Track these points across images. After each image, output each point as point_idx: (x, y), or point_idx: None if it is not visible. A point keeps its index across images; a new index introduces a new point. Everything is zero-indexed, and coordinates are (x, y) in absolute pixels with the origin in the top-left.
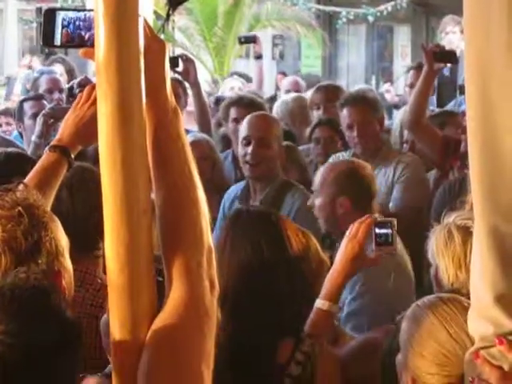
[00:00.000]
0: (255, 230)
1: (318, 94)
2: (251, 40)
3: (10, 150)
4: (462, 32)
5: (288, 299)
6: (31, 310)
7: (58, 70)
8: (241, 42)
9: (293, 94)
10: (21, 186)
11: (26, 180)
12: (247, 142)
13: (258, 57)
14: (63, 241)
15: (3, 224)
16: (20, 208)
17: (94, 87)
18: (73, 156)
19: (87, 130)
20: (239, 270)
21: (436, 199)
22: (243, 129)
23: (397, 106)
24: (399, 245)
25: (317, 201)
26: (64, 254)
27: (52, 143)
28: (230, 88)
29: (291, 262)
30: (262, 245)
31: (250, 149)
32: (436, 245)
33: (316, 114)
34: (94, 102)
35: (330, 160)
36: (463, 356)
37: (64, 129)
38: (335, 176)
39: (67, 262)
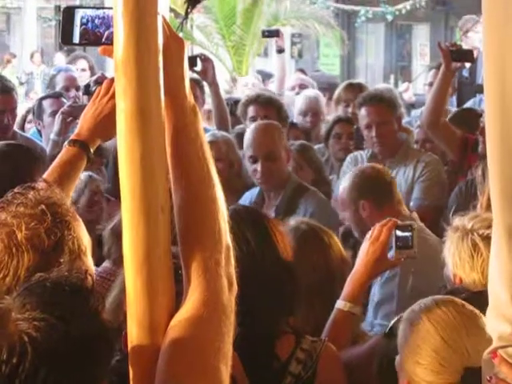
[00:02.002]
0: (240, 228)
1: (349, 91)
2: (275, 34)
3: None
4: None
5: (281, 296)
6: (69, 305)
7: (82, 65)
8: (264, 36)
9: (314, 90)
10: (44, 184)
11: (45, 175)
12: (254, 160)
13: (280, 51)
14: (85, 240)
15: (26, 222)
16: (43, 206)
17: (112, 80)
18: (92, 150)
19: (106, 123)
20: None
21: (451, 199)
22: (247, 147)
23: (414, 105)
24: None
25: (344, 215)
26: (86, 253)
27: (71, 137)
28: (245, 84)
29: (280, 257)
30: (250, 242)
31: (258, 166)
32: (459, 256)
33: (343, 111)
34: (113, 96)
35: (348, 159)
36: (460, 364)
37: (83, 123)
38: (351, 185)
39: (89, 261)
